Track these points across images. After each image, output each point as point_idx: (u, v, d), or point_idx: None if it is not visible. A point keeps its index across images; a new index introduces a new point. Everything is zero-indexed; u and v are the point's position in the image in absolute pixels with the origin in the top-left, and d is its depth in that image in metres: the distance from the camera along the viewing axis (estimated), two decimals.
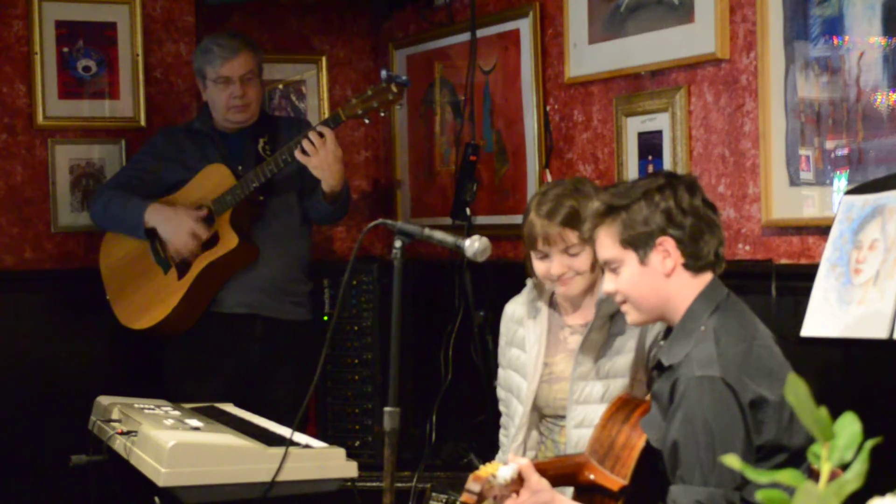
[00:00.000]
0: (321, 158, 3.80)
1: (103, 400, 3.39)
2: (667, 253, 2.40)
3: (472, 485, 2.30)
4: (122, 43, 4.51)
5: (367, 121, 3.87)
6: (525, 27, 4.09)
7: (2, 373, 4.31)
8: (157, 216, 3.98)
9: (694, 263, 2.41)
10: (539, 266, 2.90)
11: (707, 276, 2.43)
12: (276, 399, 3.83)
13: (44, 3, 4.40)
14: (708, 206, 2.46)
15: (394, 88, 3.73)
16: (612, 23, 3.67)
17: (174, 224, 3.95)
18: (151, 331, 4.04)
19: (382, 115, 3.84)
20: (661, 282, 2.42)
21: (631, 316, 2.50)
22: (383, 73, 3.71)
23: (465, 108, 4.38)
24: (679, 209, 2.41)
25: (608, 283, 2.51)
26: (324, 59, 4.95)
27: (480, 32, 4.27)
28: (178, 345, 4.09)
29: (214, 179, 3.99)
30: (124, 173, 4.20)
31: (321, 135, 3.79)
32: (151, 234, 4.02)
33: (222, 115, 4.09)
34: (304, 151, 3.80)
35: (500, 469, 2.32)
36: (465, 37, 4.34)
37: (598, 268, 2.85)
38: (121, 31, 4.51)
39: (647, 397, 2.59)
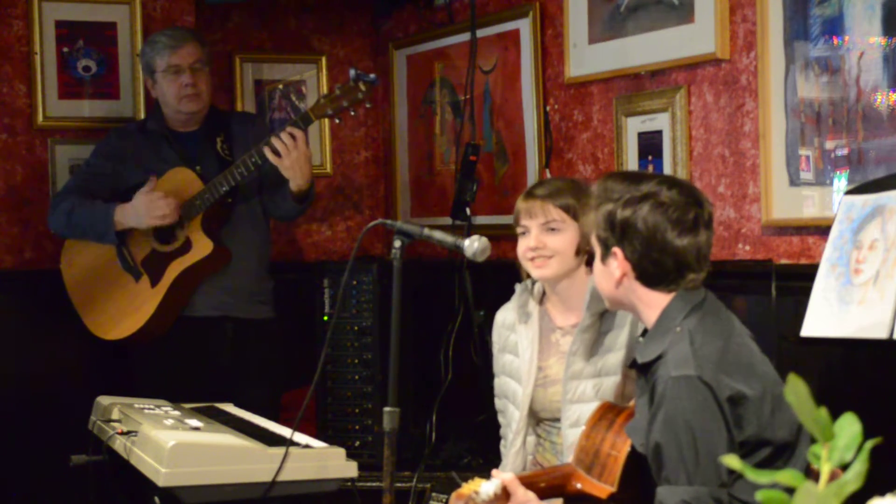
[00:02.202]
0: (293, 160, 3.80)
1: (103, 400, 3.39)
2: (618, 262, 2.42)
3: (455, 503, 2.29)
4: (122, 43, 4.51)
5: (338, 121, 3.90)
6: (525, 27, 4.09)
7: (1, 372, 4.31)
8: (125, 214, 3.95)
9: (647, 279, 2.42)
10: (519, 245, 2.93)
11: (668, 291, 2.43)
12: (249, 398, 3.82)
13: (44, 3, 4.40)
14: (680, 227, 2.38)
15: (362, 87, 3.73)
16: (612, 23, 3.67)
17: (140, 206, 3.90)
18: (126, 340, 4.03)
19: (353, 114, 3.87)
20: (613, 284, 2.45)
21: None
22: (352, 72, 3.72)
23: (465, 108, 4.38)
24: (648, 227, 2.38)
25: None
26: (324, 59, 4.95)
27: (480, 32, 4.27)
28: (148, 350, 4.07)
29: (180, 183, 3.96)
30: (80, 178, 4.15)
31: (293, 136, 3.79)
32: (119, 240, 3.99)
33: (174, 106, 4.06)
34: (275, 152, 3.80)
35: (483, 485, 2.31)
36: (465, 37, 4.34)
37: (580, 258, 2.88)
38: (121, 31, 4.51)
39: (631, 403, 2.59)
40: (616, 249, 2.42)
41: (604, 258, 2.46)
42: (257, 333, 4.11)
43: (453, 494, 2.31)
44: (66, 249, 4.17)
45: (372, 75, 3.78)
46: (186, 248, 3.95)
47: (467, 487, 2.32)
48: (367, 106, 3.91)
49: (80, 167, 4.25)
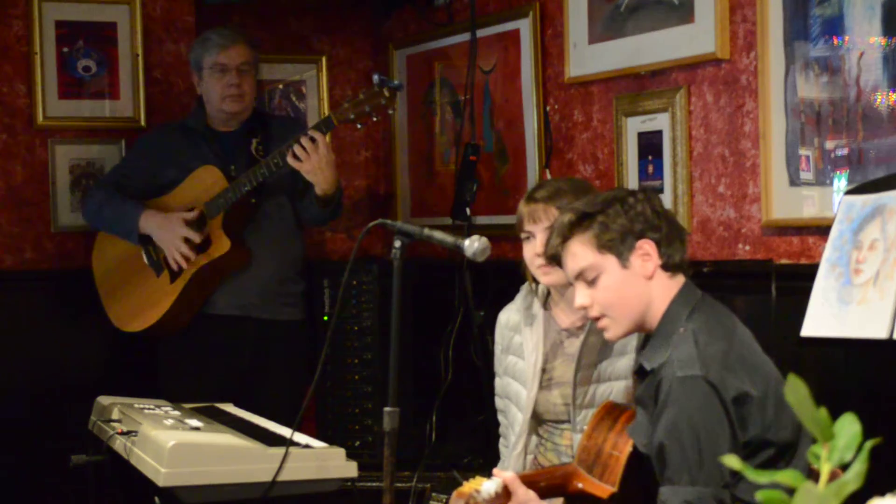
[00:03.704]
0: (313, 164, 3.78)
1: (103, 400, 3.39)
2: (647, 256, 2.41)
3: (456, 501, 2.29)
4: (122, 43, 4.51)
5: (359, 126, 3.85)
6: (525, 27, 4.09)
7: (2, 373, 4.31)
8: (150, 223, 3.99)
9: (671, 265, 2.43)
10: (526, 250, 2.91)
11: (680, 279, 2.45)
12: (268, 399, 3.82)
13: (44, 3, 4.40)
14: (675, 219, 2.54)
15: (386, 93, 3.71)
16: (612, 23, 3.67)
17: (166, 230, 3.95)
18: (144, 333, 4.05)
19: (375, 119, 3.80)
20: (643, 285, 2.42)
21: (610, 331, 2.46)
22: (375, 78, 3.69)
23: (465, 108, 4.37)
24: (655, 214, 2.44)
25: (581, 297, 2.46)
26: (324, 59, 4.95)
27: (480, 32, 4.27)
28: (170, 347, 4.10)
29: (206, 181, 3.99)
30: (117, 171, 4.22)
31: (313, 140, 3.78)
32: (145, 239, 4.02)
33: (217, 105, 4.08)
34: (295, 157, 3.79)
35: (484, 484, 2.30)
36: (465, 37, 4.34)
37: None
38: (121, 31, 4.51)
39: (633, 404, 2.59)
40: (642, 242, 2.41)
41: (624, 262, 2.42)
42: (281, 335, 4.09)
43: (454, 493, 2.31)
44: (100, 241, 4.22)
45: (396, 81, 3.75)
46: (206, 245, 3.96)
47: (468, 486, 2.32)
48: (390, 112, 3.87)
49: (120, 161, 4.32)
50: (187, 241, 3.92)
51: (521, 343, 2.98)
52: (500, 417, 3.08)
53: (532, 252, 2.88)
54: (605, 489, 2.42)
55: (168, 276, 4.01)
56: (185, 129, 4.16)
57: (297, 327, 4.16)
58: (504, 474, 2.36)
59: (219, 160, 4.05)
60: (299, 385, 4.15)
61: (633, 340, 2.83)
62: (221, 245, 3.95)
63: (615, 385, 2.83)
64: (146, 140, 4.24)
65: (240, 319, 4.05)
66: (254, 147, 4.09)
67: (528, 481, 2.39)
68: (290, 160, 3.79)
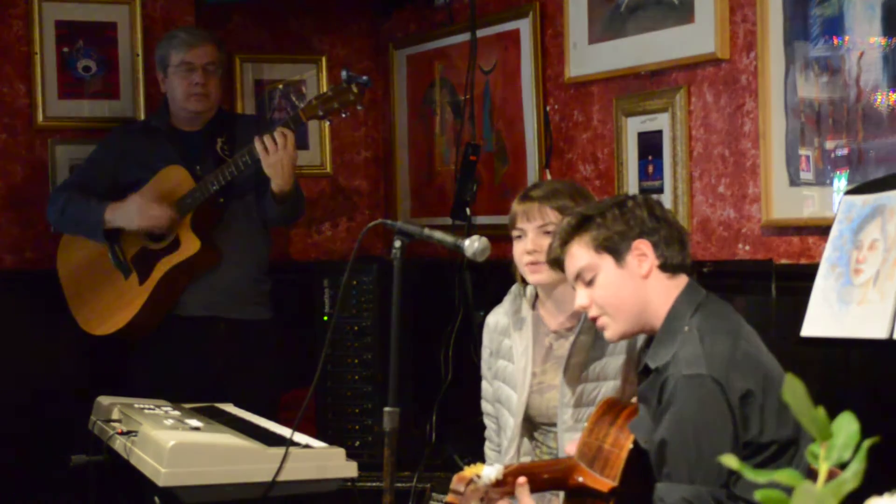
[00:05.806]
0: (277, 157, 3.79)
1: (103, 400, 3.39)
2: (643, 256, 2.44)
3: (457, 485, 2.30)
4: (122, 43, 4.51)
5: (329, 122, 3.88)
6: (525, 27, 4.09)
7: (2, 372, 4.31)
8: (115, 213, 3.96)
9: (669, 265, 2.45)
10: (516, 248, 2.89)
11: (683, 278, 2.46)
12: (243, 399, 3.82)
13: (44, 3, 4.41)
14: (675, 222, 2.55)
15: (354, 89, 3.72)
16: (612, 23, 3.67)
17: (135, 207, 3.93)
18: (113, 336, 4.03)
19: (344, 116, 3.82)
20: (639, 284, 2.44)
21: (609, 329, 2.49)
22: (343, 74, 3.70)
23: (465, 108, 4.38)
24: (652, 217, 2.47)
25: (580, 298, 2.50)
26: (324, 59, 4.95)
27: (480, 32, 4.27)
28: (141, 349, 4.08)
29: (172, 181, 3.97)
30: (81, 173, 4.18)
31: (284, 136, 3.79)
32: (111, 237, 4.01)
33: (181, 104, 4.08)
34: (264, 148, 3.80)
35: (485, 469, 2.31)
36: (465, 37, 4.34)
37: None
38: (121, 31, 4.51)
39: (634, 400, 2.59)
40: (639, 242, 2.43)
41: (620, 262, 2.45)
42: (251, 334, 4.10)
43: (455, 477, 2.32)
44: (63, 244, 4.18)
45: (364, 77, 3.75)
46: (175, 246, 3.95)
47: (469, 470, 2.33)
48: (359, 108, 3.88)
49: (82, 163, 4.26)
50: (160, 205, 3.89)
51: (510, 347, 2.97)
52: (488, 421, 3.08)
53: (522, 249, 2.87)
54: (605, 483, 2.43)
55: (137, 278, 3.99)
56: (148, 129, 4.15)
57: (267, 326, 4.15)
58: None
59: (183, 160, 4.03)
60: (273, 385, 4.15)
61: (623, 341, 2.82)
62: (191, 245, 3.93)
63: (603, 385, 2.81)
64: (108, 141, 4.19)
65: (210, 320, 4.05)
66: (219, 147, 4.09)
67: (530, 472, 2.39)
68: (257, 146, 3.79)
